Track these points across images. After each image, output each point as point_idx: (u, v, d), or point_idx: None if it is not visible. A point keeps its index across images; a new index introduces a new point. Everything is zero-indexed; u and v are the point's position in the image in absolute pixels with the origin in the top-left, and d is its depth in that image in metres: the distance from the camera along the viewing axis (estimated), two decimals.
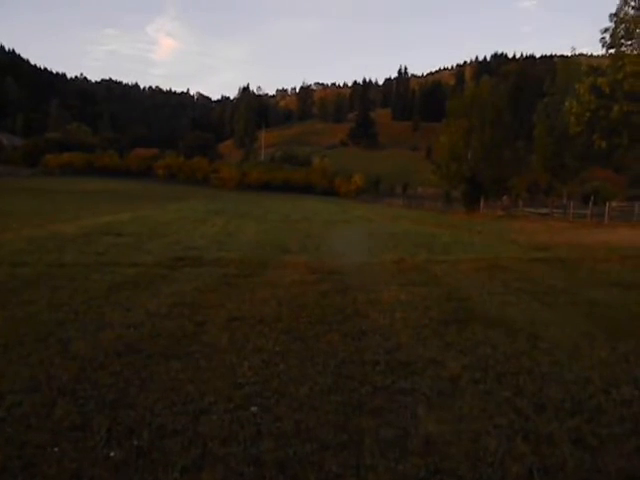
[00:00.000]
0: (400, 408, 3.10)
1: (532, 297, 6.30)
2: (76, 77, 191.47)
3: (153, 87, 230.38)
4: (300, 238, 15.20)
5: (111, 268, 8.16)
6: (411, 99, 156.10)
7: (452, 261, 10.01)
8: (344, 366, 3.80)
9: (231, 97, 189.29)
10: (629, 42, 22.42)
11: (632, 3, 22.03)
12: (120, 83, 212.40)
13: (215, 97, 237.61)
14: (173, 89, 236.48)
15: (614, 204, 29.09)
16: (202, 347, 4.25)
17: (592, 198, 28.46)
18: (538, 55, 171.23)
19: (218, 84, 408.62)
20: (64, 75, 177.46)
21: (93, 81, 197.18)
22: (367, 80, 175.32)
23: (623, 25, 22.28)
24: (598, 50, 28.39)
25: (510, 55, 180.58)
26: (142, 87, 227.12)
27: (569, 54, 35.88)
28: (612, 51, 23.27)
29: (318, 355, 4.04)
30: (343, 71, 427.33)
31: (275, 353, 4.09)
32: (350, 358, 3.97)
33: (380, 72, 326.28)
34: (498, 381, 3.48)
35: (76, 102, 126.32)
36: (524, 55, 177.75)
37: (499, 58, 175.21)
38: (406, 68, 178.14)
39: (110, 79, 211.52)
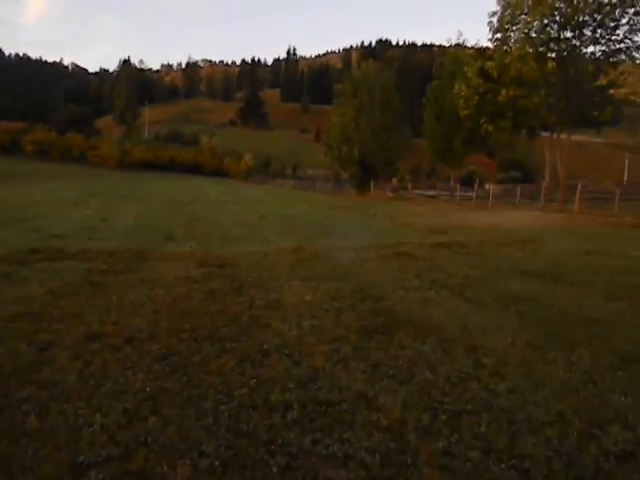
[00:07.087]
0: None
1: (451, 292, 5.59)
2: None
3: (20, 54, 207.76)
4: (186, 222, 13.87)
5: None
6: (300, 81, 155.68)
7: (355, 248, 9.23)
8: (243, 415, 2.67)
9: (110, 70, 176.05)
10: (514, 27, 23.02)
11: None
12: None
13: (93, 69, 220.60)
14: (44, 58, 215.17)
15: (491, 186, 30.46)
16: (38, 390, 2.95)
17: (477, 181, 29.49)
18: (419, 43, 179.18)
19: (96, 56, 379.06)
20: None
21: None
22: (256, 59, 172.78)
23: (509, 10, 22.85)
24: (480, 41, 29.50)
25: (394, 42, 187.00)
26: (7, 53, 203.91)
27: (453, 42, 36.78)
28: (498, 35, 23.82)
29: (205, 397, 2.87)
30: (231, 49, 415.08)
31: (144, 397, 2.87)
32: (250, 400, 2.84)
33: (269, 52, 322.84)
34: (454, 429, 2.53)
35: None
36: (407, 42, 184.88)
37: (384, 44, 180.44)
38: (295, 49, 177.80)
39: None
